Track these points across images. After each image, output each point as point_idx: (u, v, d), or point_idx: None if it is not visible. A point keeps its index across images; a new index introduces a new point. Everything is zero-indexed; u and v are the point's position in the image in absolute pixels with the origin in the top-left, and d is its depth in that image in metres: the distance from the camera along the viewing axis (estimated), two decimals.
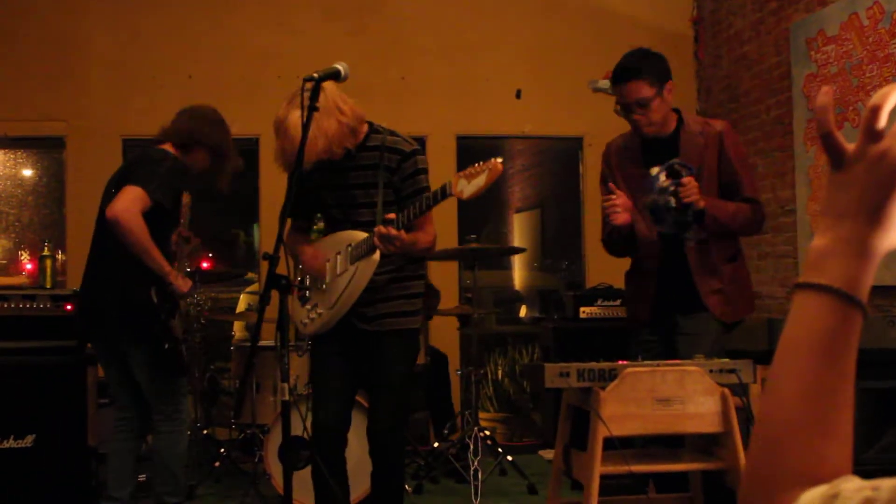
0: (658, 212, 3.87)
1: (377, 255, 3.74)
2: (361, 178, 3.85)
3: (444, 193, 3.61)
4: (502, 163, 3.54)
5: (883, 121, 0.90)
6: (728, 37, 7.44)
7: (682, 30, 7.90)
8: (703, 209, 3.83)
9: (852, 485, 0.80)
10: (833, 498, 0.80)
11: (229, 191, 4.64)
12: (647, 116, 4.04)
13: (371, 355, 3.88)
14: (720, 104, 7.54)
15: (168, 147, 4.38)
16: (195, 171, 4.48)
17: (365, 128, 3.86)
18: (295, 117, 3.58)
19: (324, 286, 3.90)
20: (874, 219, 0.91)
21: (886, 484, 0.77)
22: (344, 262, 3.82)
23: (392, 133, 3.90)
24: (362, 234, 3.78)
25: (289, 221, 4.10)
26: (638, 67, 4.05)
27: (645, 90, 4.01)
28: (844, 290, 0.90)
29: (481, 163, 3.57)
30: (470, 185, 3.55)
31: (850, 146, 0.93)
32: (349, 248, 3.81)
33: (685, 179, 3.80)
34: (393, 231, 3.55)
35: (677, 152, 4.03)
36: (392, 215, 3.61)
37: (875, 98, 0.91)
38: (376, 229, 3.61)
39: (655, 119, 4.05)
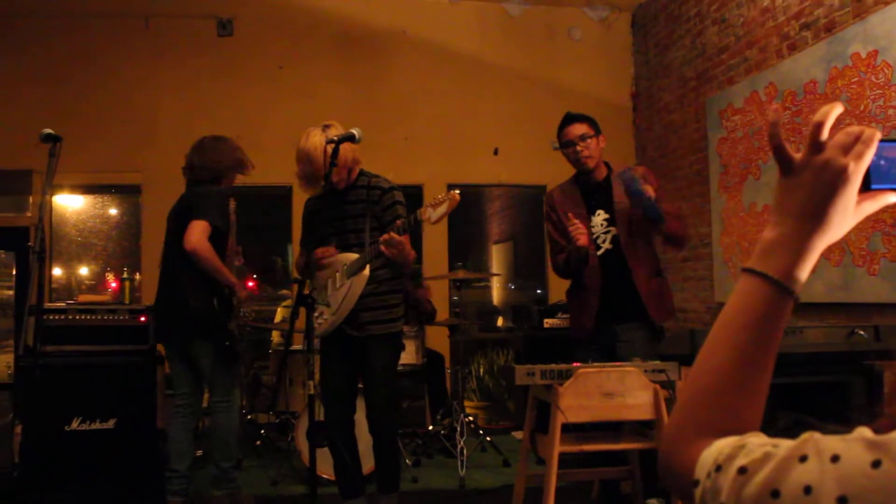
0: (636, 193, 3.90)
1: (367, 271, 3.81)
2: (352, 210, 3.92)
3: (416, 219, 3.65)
4: (460, 194, 3.58)
5: (825, 134, 0.87)
6: (659, 108, 7.48)
7: (624, 102, 7.94)
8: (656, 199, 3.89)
9: (758, 440, 0.78)
10: (741, 447, 0.78)
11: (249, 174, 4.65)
12: (587, 149, 4.10)
13: (362, 356, 3.90)
14: (653, 160, 7.57)
15: (207, 183, 4.40)
16: (232, 186, 4.52)
17: (357, 170, 3.94)
18: (314, 140, 3.77)
19: (328, 298, 3.93)
20: (816, 219, 0.87)
21: (785, 443, 0.75)
22: (342, 277, 3.86)
23: (375, 176, 3.99)
24: (354, 255, 3.84)
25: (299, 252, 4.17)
26: (581, 115, 4.19)
27: (586, 129, 4.12)
28: (781, 281, 0.87)
29: (443, 195, 3.60)
30: (435, 212, 3.58)
31: (798, 155, 0.88)
32: (345, 268, 3.85)
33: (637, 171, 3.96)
34: (396, 237, 3.59)
35: (611, 193, 4.10)
36: (400, 222, 3.67)
37: (818, 115, 0.87)
38: (382, 238, 3.63)
39: (593, 153, 4.12)
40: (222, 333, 4.29)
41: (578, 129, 4.13)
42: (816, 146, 0.87)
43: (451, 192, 3.59)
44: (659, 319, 4.04)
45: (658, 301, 4.05)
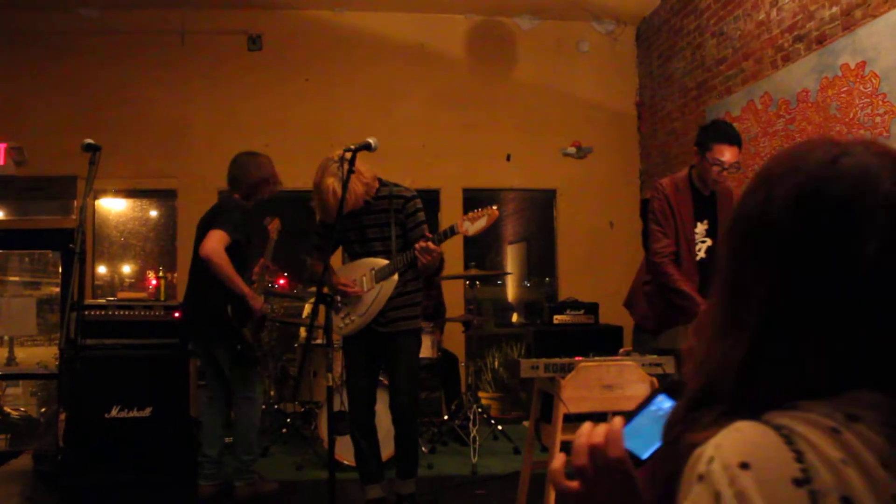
0: None
1: (396, 276, 3.80)
2: (375, 219, 3.89)
3: (452, 231, 3.65)
4: (498, 209, 3.58)
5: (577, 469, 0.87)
6: (661, 116, 7.46)
7: (629, 110, 7.92)
8: None
9: None
10: None
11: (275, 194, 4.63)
12: (729, 177, 3.84)
13: (387, 349, 3.92)
14: (656, 165, 7.55)
15: (236, 195, 4.42)
16: (264, 198, 4.51)
17: (377, 183, 3.89)
18: (328, 182, 3.67)
19: (354, 300, 3.94)
20: None
21: None
22: (370, 281, 3.87)
23: (396, 185, 3.95)
24: (384, 261, 3.82)
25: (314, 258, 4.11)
26: (740, 138, 3.81)
27: (739, 157, 3.81)
28: None
29: (481, 209, 3.60)
30: (473, 226, 3.57)
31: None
32: (373, 272, 3.85)
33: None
34: (432, 245, 3.59)
35: (716, 208, 3.93)
36: (430, 235, 3.66)
37: (573, 456, 0.88)
38: (418, 245, 3.62)
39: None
40: (235, 338, 4.31)
41: (734, 154, 3.75)
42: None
43: (491, 207, 3.57)
44: None
45: None
